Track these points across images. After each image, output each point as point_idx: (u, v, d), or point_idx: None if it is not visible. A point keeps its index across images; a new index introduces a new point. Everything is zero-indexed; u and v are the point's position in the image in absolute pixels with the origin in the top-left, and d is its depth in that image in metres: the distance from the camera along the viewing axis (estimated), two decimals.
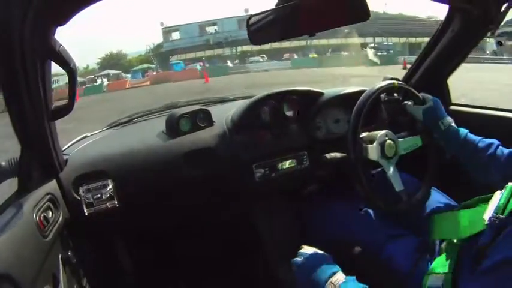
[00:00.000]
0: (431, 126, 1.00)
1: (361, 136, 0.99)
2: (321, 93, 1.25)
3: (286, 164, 1.19)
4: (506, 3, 0.94)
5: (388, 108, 1.18)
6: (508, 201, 0.67)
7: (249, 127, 1.17)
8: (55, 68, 0.77)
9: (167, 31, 35.05)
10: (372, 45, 26.41)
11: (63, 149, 1.09)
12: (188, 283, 1.33)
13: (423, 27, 25.74)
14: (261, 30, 0.86)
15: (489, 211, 0.68)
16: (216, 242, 1.37)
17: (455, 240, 0.79)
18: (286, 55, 27.39)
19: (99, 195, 1.00)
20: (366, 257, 0.96)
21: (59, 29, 0.69)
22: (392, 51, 23.94)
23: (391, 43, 26.79)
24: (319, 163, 1.14)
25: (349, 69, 15.18)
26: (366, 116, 0.96)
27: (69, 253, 0.91)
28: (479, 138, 0.95)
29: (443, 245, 0.83)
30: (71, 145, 1.16)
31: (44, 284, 0.73)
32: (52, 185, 0.92)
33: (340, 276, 0.72)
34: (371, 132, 1.01)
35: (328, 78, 11.95)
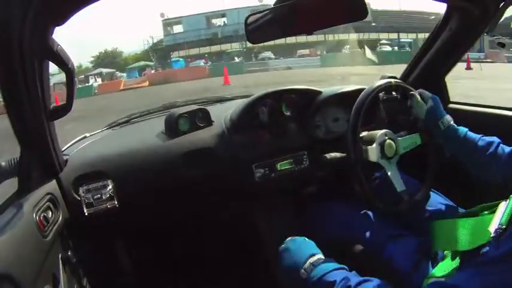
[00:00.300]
0: (432, 126, 0.99)
1: (360, 136, 0.99)
2: (320, 92, 1.25)
3: (286, 164, 1.18)
4: (504, 1, 0.94)
5: (387, 107, 1.18)
6: None
7: (248, 127, 1.17)
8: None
9: (168, 23, 30.44)
10: (383, 41, 24.68)
11: (63, 149, 1.09)
12: (188, 283, 1.34)
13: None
14: (259, 29, 0.87)
15: (494, 223, 0.66)
16: (215, 242, 1.37)
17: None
18: (301, 51, 24.08)
19: (99, 195, 1.00)
20: (366, 257, 0.96)
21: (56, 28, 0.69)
22: (408, 48, 21.58)
23: (409, 39, 23.82)
24: (319, 163, 1.13)
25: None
26: (365, 115, 0.96)
27: (69, 253, 0.91)
28: (479, 136, 0.94)
29: (446, 251, 0.82)
30: (70, 145, 1.16)
31: (44, 284, 0.73)
32: (52, 185, 0.92)
33: (319, 257, 0.76)
34: (370, 132, 1.01)
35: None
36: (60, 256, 0.86)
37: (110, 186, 1.01)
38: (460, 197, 1.01)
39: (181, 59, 27.37)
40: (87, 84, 21.99)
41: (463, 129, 0.96)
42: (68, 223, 0.94)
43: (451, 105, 1.25)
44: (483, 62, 13.68)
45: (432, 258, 0.85)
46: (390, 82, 1.02)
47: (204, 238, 1.37)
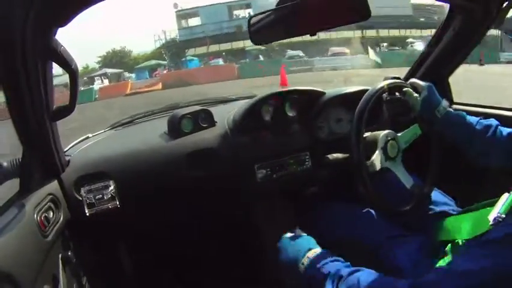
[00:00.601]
0: (428, 115, 0.98)
1: (363, 136, 0.99)
2: (323, 93, 1.24)
3: (288, 165, 1.18)
4: (507, 2, 0.94)
5: (390, 108, 1.18)
6: None
7: (251, 127, 1.17)
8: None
9: (183, 15, 25.20)
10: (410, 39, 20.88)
11: (65, 149, 1.09)
12: (189, 284, 1.33)
13: None
14: (262, 30, 0.87)
15: (494, 212, 0.67)
16: (217, 242, 1.37)
17: (460, 242, 0.78)
18: (335, 49, 19.06)
19: (100, 195, 1.00)
20: (367, 257, 0.96)
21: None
22: None
23: None
24: (322, 164, 1.13)
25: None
26: (368, 116, 0.96)
27: (70, 253, 0.91)
28: (477, 119, 0.93)
29: (448, 247, 0.82)
30: (72, 146, 1.17)
31: (43, 284, 0.73)
32: (54, 186, 0.92)
33: (315, 251, 0.78)
34: (373, 133, 1.01)
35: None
36: (60, 256, 0.86)
37: (112, 187, 1.01)
38: (461, 195, 1.00)
39: (195, 58, 23.30)
40: (87, 87, 18.39)
41: (461, 114, 0.95)
42: (69, 223, 0.94)
43: (454, 106, 1.24)
44: None
45: (433, 257, 0.84)
46: (392, 83, 1.01)
47: (206, 239, 1.37)
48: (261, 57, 21.43)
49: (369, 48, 18.16)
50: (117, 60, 29.98)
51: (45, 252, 0.76)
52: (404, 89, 1.01)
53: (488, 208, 0.73)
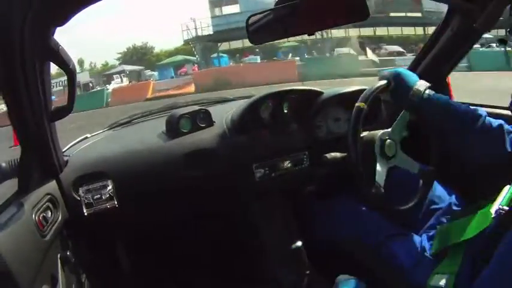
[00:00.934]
0: (404, 104, 0.94)
1: (361, 136, 0.99)
2: (321, 93, 1.25)
3: (286, 164, 1.18)
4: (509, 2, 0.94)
5: (388, 107, 1.18)
6: None
7: (249, 127, 1.17)
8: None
9: (216, 2, 19.96)
10: None
11: (64, 150, 1.09)
12: (187, 283, 1.33)
13: None
14: (260, 29, 0.87)
15: (496, 205, 0.67)
16: (215, 242, 1.37)
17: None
18: (389, 47, 16.26)
19: (99, 195, 1.00)
20: (367, 255, 0.96)
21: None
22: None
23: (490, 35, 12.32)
24: (320, 163, 1.13)
25: None
26: (365, 116, 0.96)
27: (68, 253, 0.91)
28: (464, 106, 0.89)
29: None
30: (71, 146, 1.17)
31: (42, 284, 0.73)
32: (52, 186, 0.92)
33: None
34: (371, 132, 1.01)
35: None
36: (59, 256, 0.86)
37: (110, 187, 1.01)
38: (463, 189, 1.00)
39: (224, 55, 19.78)
40: (98, 89, 14.95)
41: (443, 98, 0.91)
42: (68, 223, 0.94)
43: None
44: None
45: (435, 256, 0.85)
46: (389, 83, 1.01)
47: (204, 238, 1.37)
48: (290, 55, 17.90)
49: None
50: (138, 57, 27.43)
51: (44, 252, 0.76)
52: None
53: (490, 204, 0.74)
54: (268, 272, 1.21)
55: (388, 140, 0.97)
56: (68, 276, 0.89)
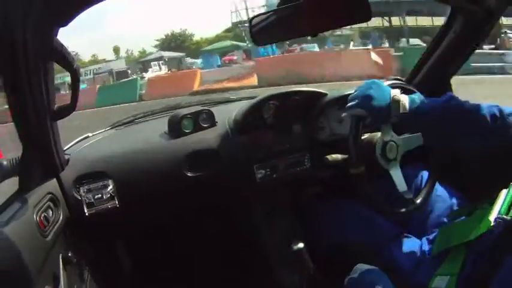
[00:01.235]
0: (391, 123, 0.88)
1: (362, 138, 0.99)
2: (325, 94, 1.24)
3: (288, 165, 1.18)
4: (509, 3, 0.94)
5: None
6: None
7: (252, 128, 1.17)
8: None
9: None
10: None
11: (65, 148, 1.09)
12: (188, 284, 1.33)
13: None
14: (263, 30, 0.87)
15: (495, 212, 0.67)
16: (216, 243, 1.37)
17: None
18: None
19: (100, 195, 1.00)
20: (368, 257, 0.96)
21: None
22: None
23: None
24: (321, 165, 1.13)
25: None
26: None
27: (70, 253, 0.91)
28: (469, 104, 0.79)
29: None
30: (72, 145, 1.16)
31: (44, 284, 0.73)
32: (53, 185, 0.92)
33: None
34: (371, 134, 1.01)
35: None
36: (60, 256, 0.86)
37: (111, 186, 1.01)
38: (464, 189, 1.00)
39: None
40: (130, 78, 12.07)
41: (429, 103, 0.81)
42: (69, 223, 0.93)
43: None
44: None
45: (436, 258, 0.84)
46: (391, 84, 1.01)
47: (205, 239, 1.37)
48: (329, 43, 15.34)
49: None
50: (176, 44, 25.40)
51: (46, 252, 0.76)
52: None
53: (490, 208, 0.73)
54: (269, 272, 1.21)
55: (390, 143, 0.97)
56: (70, 276, 0.88)
